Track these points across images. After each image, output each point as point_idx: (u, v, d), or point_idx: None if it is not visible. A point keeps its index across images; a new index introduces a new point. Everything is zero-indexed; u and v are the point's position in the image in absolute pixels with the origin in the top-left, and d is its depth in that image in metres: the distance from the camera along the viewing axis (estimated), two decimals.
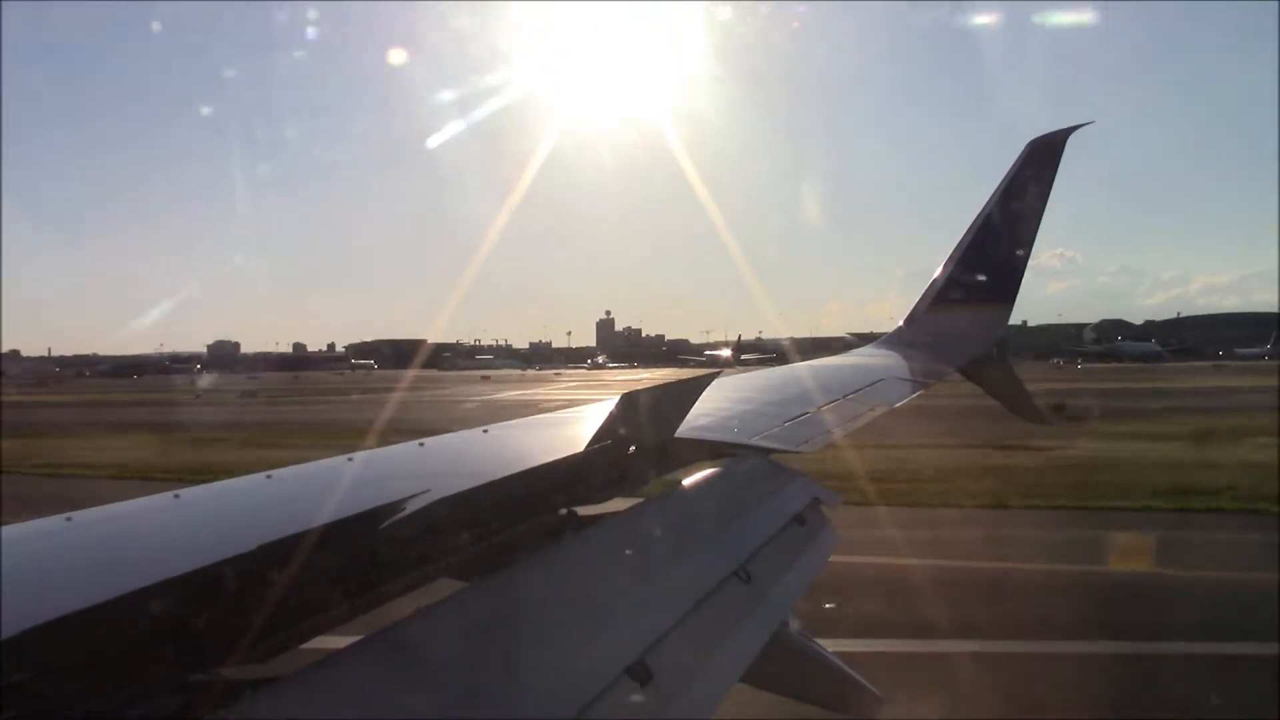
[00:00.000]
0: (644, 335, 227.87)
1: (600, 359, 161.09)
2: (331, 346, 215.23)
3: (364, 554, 2.04)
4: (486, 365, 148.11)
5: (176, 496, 2.27)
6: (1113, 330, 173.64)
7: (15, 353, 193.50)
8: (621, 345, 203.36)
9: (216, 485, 2.46)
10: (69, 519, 2.01)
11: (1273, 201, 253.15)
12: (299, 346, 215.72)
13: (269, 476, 2.46)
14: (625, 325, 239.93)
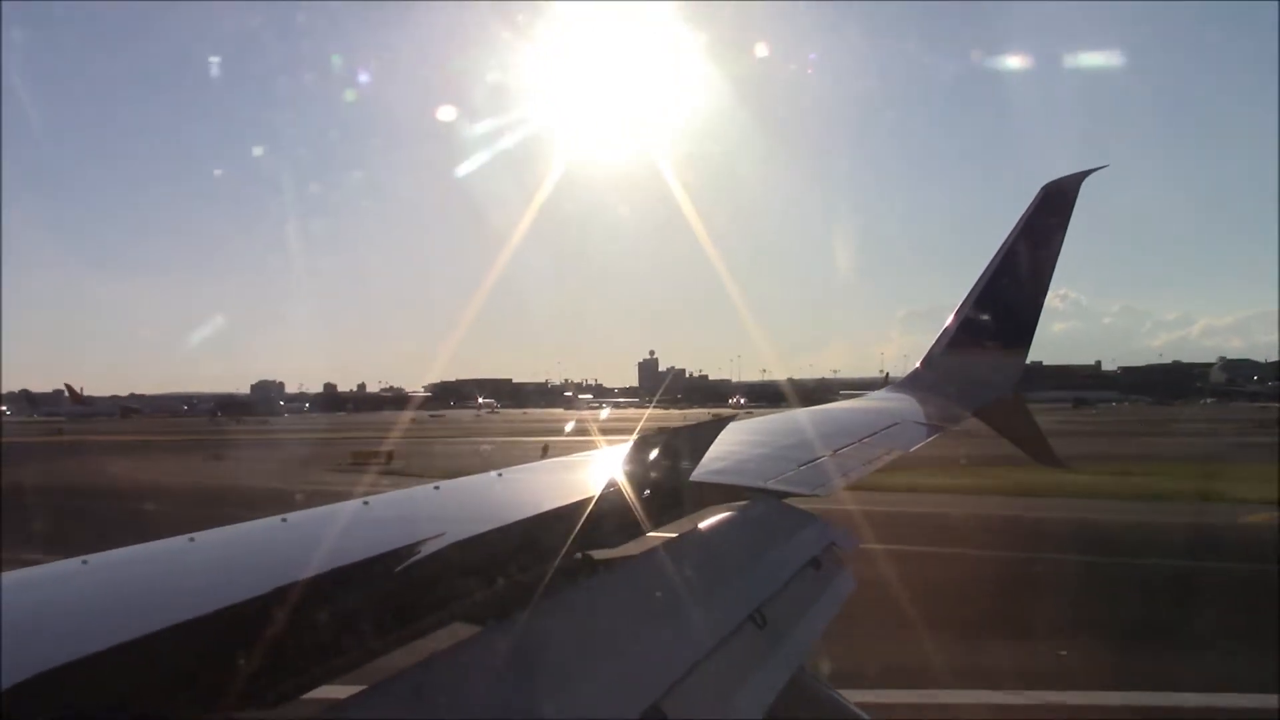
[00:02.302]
0: (688, 375, 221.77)
1: (739, 399, 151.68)
2: (362, 386, 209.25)
3: (378, 598, 2.03)
4: (590, 405, 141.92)
5: (191, 540, 2.26)
6: (1242, 370, 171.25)
7: (59, 393, 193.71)
8: (679, 386, 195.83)
9: (231, 529, 2.45)
10: (85, 561, 2.00)
11: (1273, 243, 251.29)
12: (329, 386, 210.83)
13: (284, 520, 2.47)
14: (668, 365, 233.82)
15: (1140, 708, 9.35)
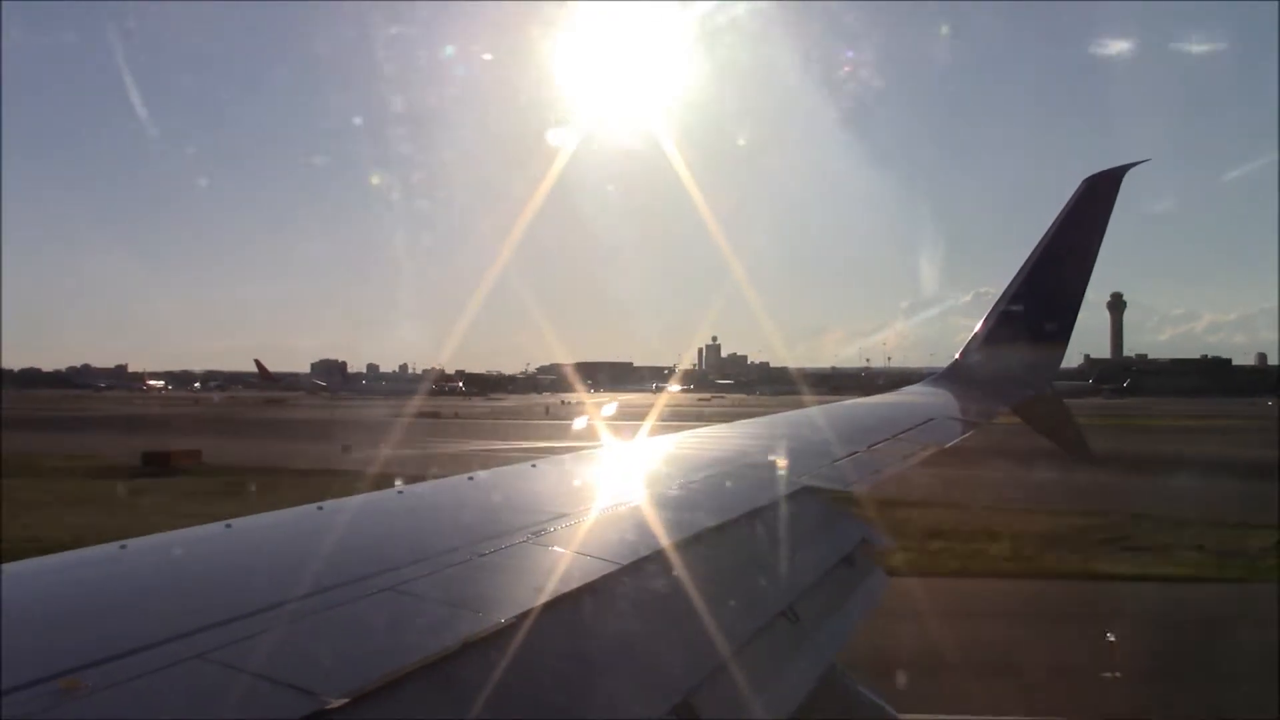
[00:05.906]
0: (749, 362, 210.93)
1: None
2: (405, 368, 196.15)
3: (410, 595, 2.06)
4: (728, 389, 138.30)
5: (228, 526, 2.29)
6: None
7: (123, 368, 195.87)
8: (742, 373, 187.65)
9: (270, 516, 2.51)
10: (123, 546, 2.04)
11: (1273, 239, 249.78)
12: (372, 367, 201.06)
13: (320, 508, 2.53)
14: (730, 352, 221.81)
15: None
